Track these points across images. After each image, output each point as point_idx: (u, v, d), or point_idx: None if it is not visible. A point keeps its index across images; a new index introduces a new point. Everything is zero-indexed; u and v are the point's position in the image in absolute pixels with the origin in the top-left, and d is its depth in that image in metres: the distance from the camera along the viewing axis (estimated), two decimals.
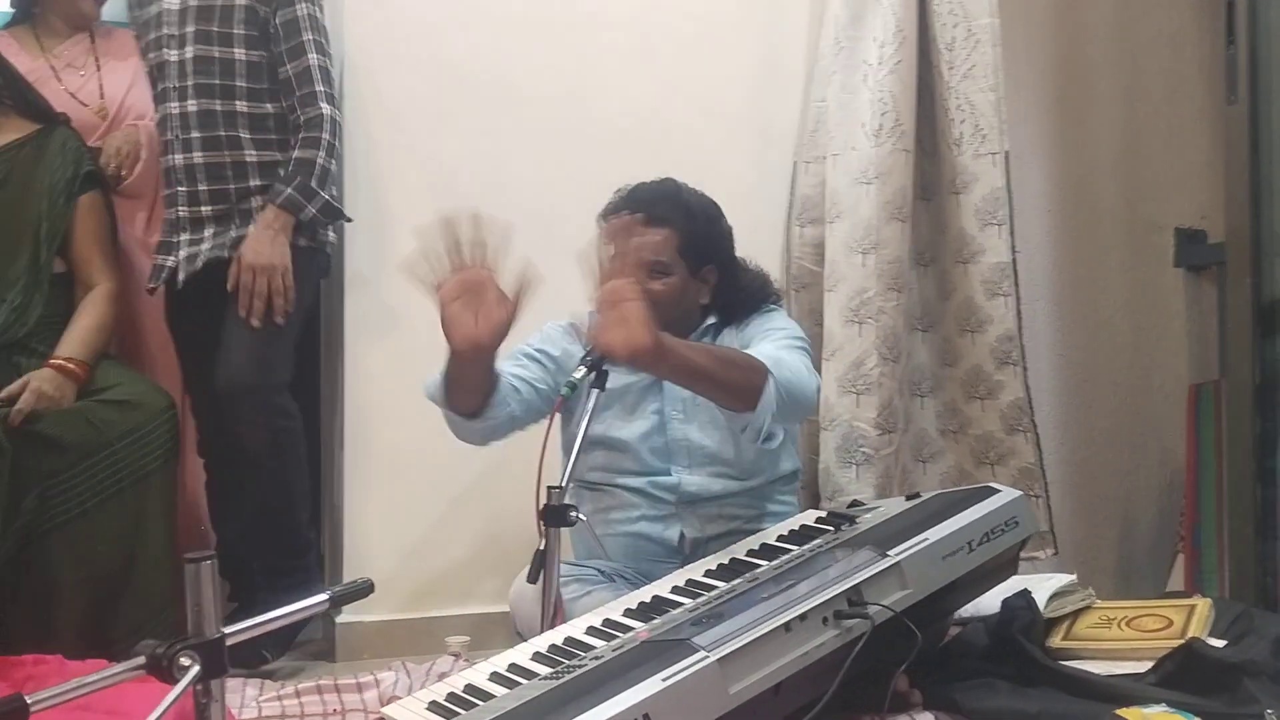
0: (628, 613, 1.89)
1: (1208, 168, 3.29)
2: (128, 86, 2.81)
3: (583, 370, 2.12)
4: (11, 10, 2.87)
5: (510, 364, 2.35)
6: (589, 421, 2.10)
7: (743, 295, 2.47)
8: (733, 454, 2.37)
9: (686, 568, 2.07)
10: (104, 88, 2.80)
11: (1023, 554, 2.10)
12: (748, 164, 3.10)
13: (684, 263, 2.37)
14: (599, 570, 2.30)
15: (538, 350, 2.40)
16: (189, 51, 2.58)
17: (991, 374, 2.81)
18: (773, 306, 2.49)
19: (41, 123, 2.65)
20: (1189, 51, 3.35)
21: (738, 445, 2.36)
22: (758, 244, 3.06)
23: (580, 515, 1.95)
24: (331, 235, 2.74)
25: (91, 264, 2.63)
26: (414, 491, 2.83)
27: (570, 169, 2.90)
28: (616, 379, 2.33)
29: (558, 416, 2.13)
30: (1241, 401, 2.74)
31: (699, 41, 3.07)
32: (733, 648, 1.56)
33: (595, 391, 2.13)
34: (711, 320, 2.45)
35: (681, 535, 2.33)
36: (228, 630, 1.37)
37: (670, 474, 2.35)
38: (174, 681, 1.30)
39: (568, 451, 2.18)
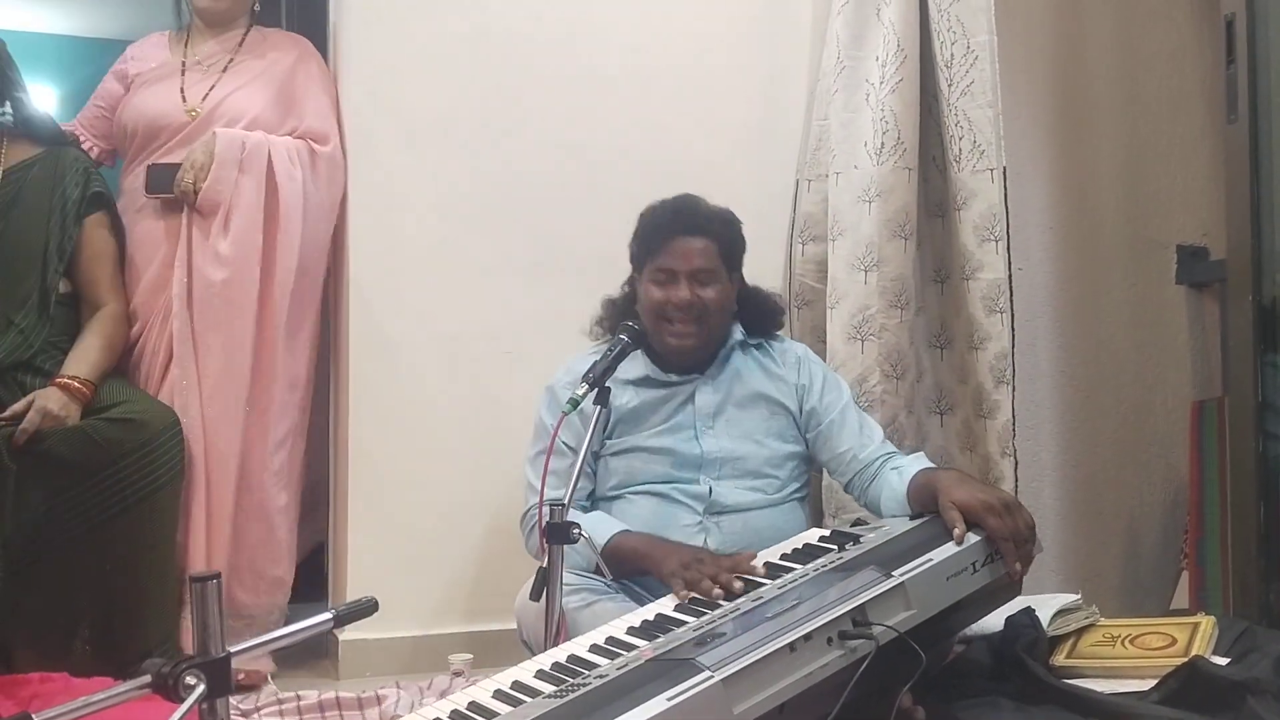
0: (631, 631, 1.89)
1: (1209, 185, 3.30)
2: (235, 87, 2.76)
3: (584, 387, 2.14)
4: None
5: (554, 461, 2.27)
6: (590, 436, 2.12)
7: (758, 303, 2.54)
8: (762, 468, 2.39)
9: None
10: (214, 89, 2.75)
11: None
12: (751, 181, 3.11)
13: (724, 269, 2.42)
14: (604, 581, 2.29)
15: (563, 443, 2.34)
16: None
17: (990, 393, 2.80)
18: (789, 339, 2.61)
19: (51, 143, 2.67)
20: (1189, 69, 3.35)
21: (767, 459, 2.40)
22: (761, 261, 3.07)
23: (584, 534, 1.96)
24: None
25: (99, 284, 2.64)
26: (417, 509, 2.83)
27: (575, 186, 2.91)
28: (644, 394, 2.35)
29: (559, 433, 2.16)
30: (1244, 418, 2.74)
31: (703, 61, 3.09)
32: (737, 667, 1.56)
33: (599, 409, 2.16)
34: (738, 337, 2.48)
35: (705, 545, 2.32)
36: (233, 650, 1.38)
37: (699, 483, 2.37)
38: (179, 700, 1.31)
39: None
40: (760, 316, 2.54)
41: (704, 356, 2.44)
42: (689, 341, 2.38)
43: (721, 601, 1.90)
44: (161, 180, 2.67)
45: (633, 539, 2.23)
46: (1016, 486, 2.76)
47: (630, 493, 2.38)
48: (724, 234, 2.43)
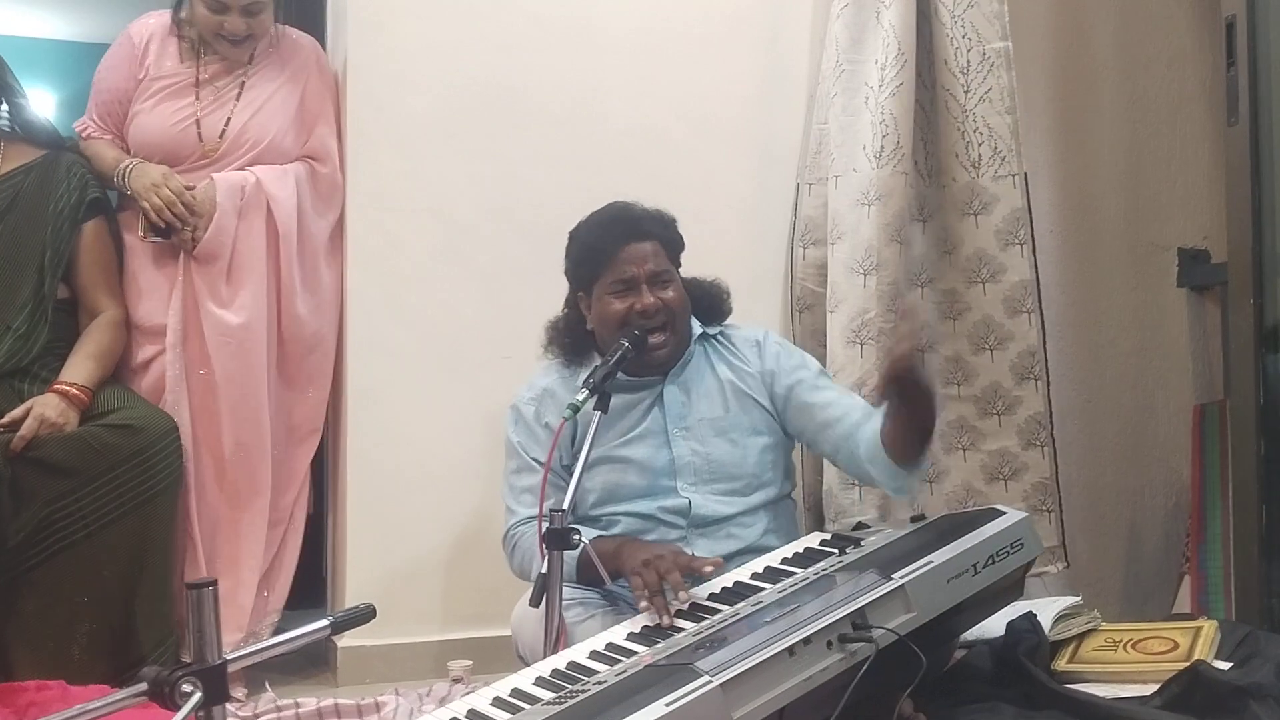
0: (631, 637, 1.88)
1: (1210, 188, 3.30)
2: (252, 113, 2.71)
3: (584, 393, 2.13)
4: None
5: (531, 479, 2.33)
6: (592, 443, 2.11)
7: (704, 290, 2.51)
8: (738, 466, 2.37)
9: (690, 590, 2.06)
10: (231, 120, 2.69)
11: (1034, 570, 2.11)
12: (751, 185, 3.11)
13: (674, 267, 2.41)
14: (601, 594, 2.29)
15: (535, 460, 2.36)
16: None
17: (1010, 390, 2.84)
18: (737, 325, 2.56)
19: (47, 148, 2.66)
20: (1190, 73, 3.36)
21: (742, 456, 2.37)
22: (761, 264, 3.08)
23: (584, 540, 1.95)
24: None
25: (96, 291, 2.63)
26: (416, 515, 2.82)
27: (574, 191, 2.89)
28: (616, 399, 2.34)
29: (568, 433, 2.20)
30: (1246, 422, 2.73)
31: (702, 64, 3.08)
32: (736, 672, 1.55)
33: (598, 414, 2.15)
34: (699, 331, 2.46)
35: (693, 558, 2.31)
36: (230, 657, 1.38)
37: (678, 493, 2.35)
38: (176, 708, 1.30)
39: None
40: (710, 304, 2.50)
41: (672, 359, 2.40)
42: (665, 349, 2.34)
43: (679, 623, 1.89)
44: (159, 226, 2.62)
45: (603, 543, 2.22)
46: (1057, 476, 2.85)
47: (610, 514, 2.35)
48: (666, 233, 2.41)
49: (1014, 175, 2.83)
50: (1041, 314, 2.84)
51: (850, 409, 2.35)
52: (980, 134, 2.84)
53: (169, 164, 2.67)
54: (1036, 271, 2.84)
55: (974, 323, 2.88)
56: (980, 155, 2.84)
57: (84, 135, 2.75)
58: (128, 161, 2.65)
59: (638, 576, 2.00)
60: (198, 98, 2.71)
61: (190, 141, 2.68)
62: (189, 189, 2.62)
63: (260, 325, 2.66)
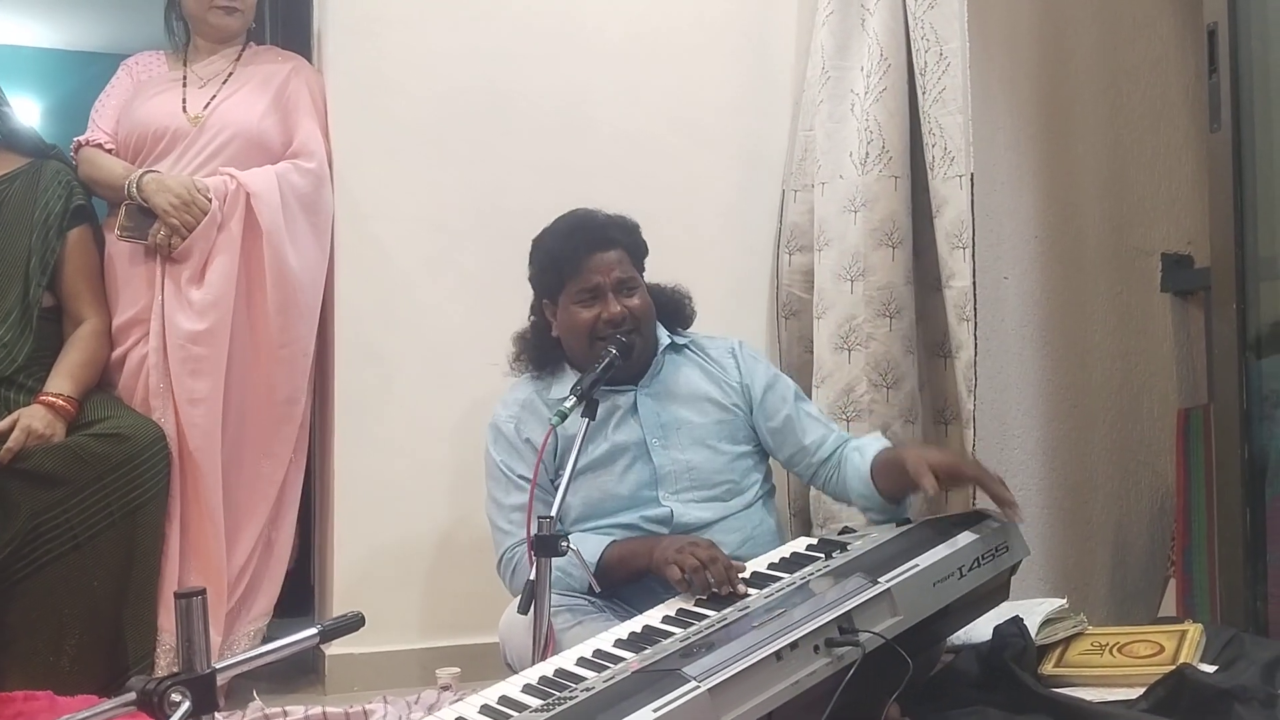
0: (618, 643, 1.89)
1: (1192, 193, 3.31)
2: (230, 94, 2.74)
3: (572, 400, 2.14)
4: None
5: (519, 497, 2.34)
6: (579, 451, 2.12)
7: (669, 296, 2.53)
8: (718, 473, 2.38)
9: (677, 596, 2.07)
10: (214, 98, 2.74)
11: None
12: (737, 191, 3.12)
13: (639, 274, 2.42)
14: (589, 600, 2.29)
15: (521, 477, 2.37)
16: None
17: (964, 401, 2.80)
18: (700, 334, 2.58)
19: (32, 156, 2.66)
20: (1172, 79, 3.37)
21: (721, 463, 2.38)
22: (747, 270, 3.10)
23: (572, 546, 1.96)
24: None
25: (81, 299, 2.63)
26: (404, 522, 2.82)
27: (561, 198, 2.89)
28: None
29: (550, 446, 2.20)
30: (1230, 426, 2.74)
31: (689, 71, 3.10)
32: (724, 677, 1.56)
33: (585, 422, 2.15)
34: (667, 341, 2.47)
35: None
36: (219, 666, 1.38)
37: (659, 502, 2.35)
38: (165, 717, 1.30)
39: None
40: (673, 309, 2.52)
41: (640, 366, 2.41)
42: (634, 350, 2.34)
43: (666, 629, 1.91)
44: (139, 226, 2.59)
45: (620, 546, 2.24)
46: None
47: (594, 528, 2.35)
48: (630, 240, 2.42)
49: (960, 176, 2.74)
50: (976, 323, 2.74)
51: (830, 430, 2.45)
52: (934, 135, 2.78)
53: (152, 147, 2.68)
54: (974, 278, 2.74)
55: (942, 329, 2.88)
56: (934, 156, 2.79)
57: (87, 142, 2.73)
58: (139, 171, 2.63)
59: (672, 565, 2.04)
60: (185, 86, 2.76)
61: (175, 117, 2.69)
62: (204, 194, 2.59)
63: (225, 331, 2.61)
